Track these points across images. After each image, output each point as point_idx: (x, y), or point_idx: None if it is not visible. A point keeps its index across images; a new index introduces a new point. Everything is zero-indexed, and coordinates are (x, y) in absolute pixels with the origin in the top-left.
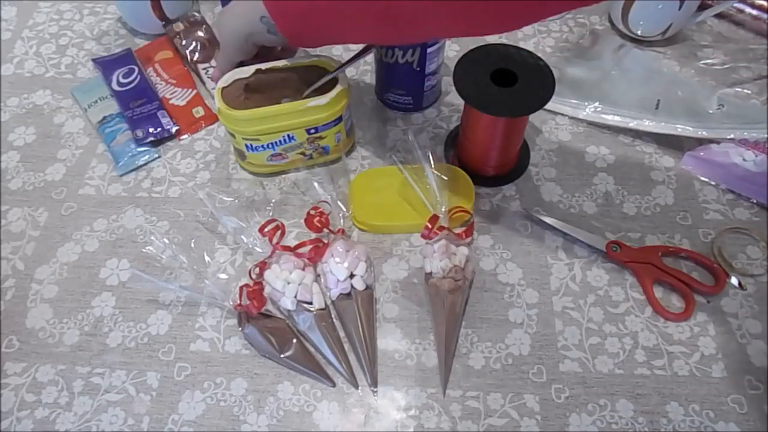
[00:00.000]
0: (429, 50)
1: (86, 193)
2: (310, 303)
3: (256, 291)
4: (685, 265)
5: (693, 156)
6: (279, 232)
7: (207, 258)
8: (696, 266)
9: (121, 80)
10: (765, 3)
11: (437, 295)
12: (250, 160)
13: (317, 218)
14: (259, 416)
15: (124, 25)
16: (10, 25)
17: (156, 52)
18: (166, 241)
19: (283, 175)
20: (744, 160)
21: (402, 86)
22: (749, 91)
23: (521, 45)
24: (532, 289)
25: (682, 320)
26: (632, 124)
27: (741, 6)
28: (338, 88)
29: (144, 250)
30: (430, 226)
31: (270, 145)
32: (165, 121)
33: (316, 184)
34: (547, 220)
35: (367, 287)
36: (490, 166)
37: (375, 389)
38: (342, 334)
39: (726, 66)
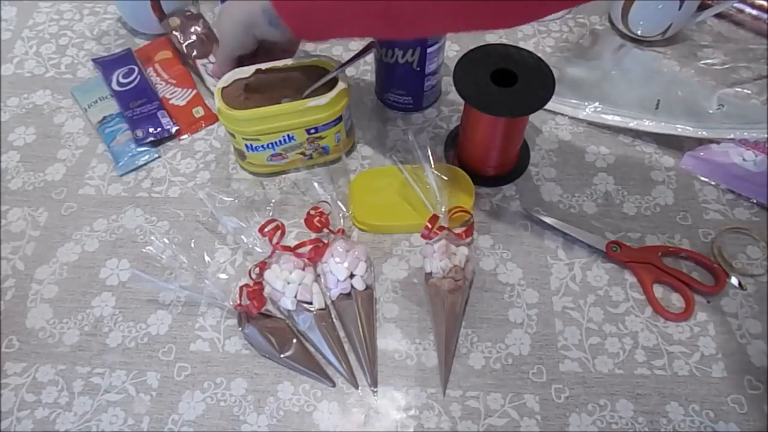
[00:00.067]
0: (429, 50)
1: (86, 193)
2: (310, 303)
3: (256, 291)
4: (685, 265)
5: (693, 156)
6: (279, 232)
7: (207, 258)
8: (696, 266)
9: (121, 80)
10: (765, 3)
11: (437, 295)
12: (250, 160)
13: (317, 218)
14: (259, 416)
15: (124, 25)
16: (10, 25)
17: (156, 52)
18: (166, 241)
19: (283, 175)
20: (744, 160)
21: (402, 86)
22: (749, 91)
23: (521, 45)
24: (532, 289)
25: (682, 320)
26: (632, 124)
27: (741, 6)
28: (338, 88)
29: (144, 250)
30: (430, 226)
31: (270, 145)
32: (165, 121)
33: (316, 184)
34: (547, 220)
35: (367, 287)
36: (490, 166)
37: (375, 389)
38: (342, 334)
39: (726, 66)
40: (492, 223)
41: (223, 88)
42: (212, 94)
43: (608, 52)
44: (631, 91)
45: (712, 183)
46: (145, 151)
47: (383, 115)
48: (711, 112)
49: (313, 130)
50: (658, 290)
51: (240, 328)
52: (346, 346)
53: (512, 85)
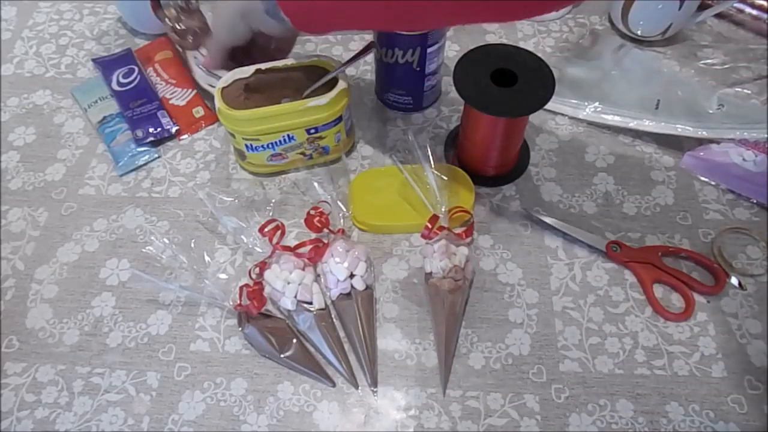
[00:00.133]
0: (429, 50)
1: (86, 193)
2: (310, 303)
3: (256, 291)
4: (685, 265)
5: (693, 156)
6: (279, 232)
7: (207, 258)
8: (696, 266)
9: (121, 80)
10: (765, 3)
11: (437, 295)
12: (250, 160)
13: (317, 218)
14: (259, 416)
15: (124, 25)
16: (10, 25)
17: (156, 52)
18: (166, 241)
19: (283, 175)
20: (744, 160)
21: (402, 86)
22: (749, 91)
23: (521, 45)
24: (532, 289)
25: (682, 320)
26: (632, 124)
27: (741, 6)
28: (338, 88)
29: (144, 250)
30: (430, 226)
31: (270, 145)
32: (165, 121)
33: (316, 184)
34: (547, 220)
35: (367, 287)
36: (490, 166)
37: (375, 389)
38: (342, 334)
39: (726, 66)
40: (492, 223)
41: (223, 88)
42: (201, 87)
43: (608, 52)
44: (631, 91)
45: (712, 183)
46: (145, 151)
47: (383, 115)
48: (711, 112)
49: (313, 130)
50: (658, 290)
51: (240, 328)
52: (346, 346)
53: (512, 85)
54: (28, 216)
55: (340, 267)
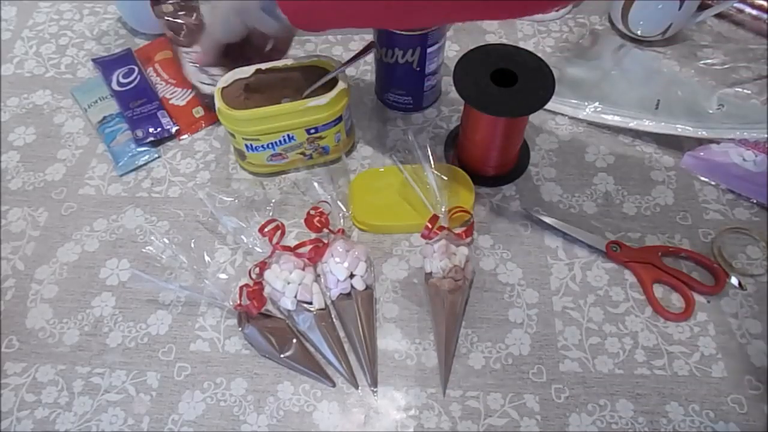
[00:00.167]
0: (429, 50)
1: (86, 193)
2: (310, 303)
3: (256, 291)
4: (685, 265)
5: (693, 156)
6: (279, 232)
7: (207, 258)
8: (696, 266)
9: (121, 80)
10: (765, 3)
11: (437, 295)
12: (250, 160)
13: (317, 218)
14: (259, 416)
15: (124, 25)
16: (10, 25)
17: (156, 52)
18: (166, 241)
19: (283, 175)
20: (744, 160)
21: (402, 86)
22: (749, 91)
23: (521, 45)
24: (532, 289)
25: (682, 320)
26: (632, 124)
27: (741, 6)
28: (338, 88)
29: (144, 250)
30: (430, 226)
31: (270, 145)
32: (165, 121)
33: (316, 184)
34: (547, 220)
35: (367, 287)
36: (490, 166)
37: (375, 389)
38: (342, 334)
39: (726, 66)
40: (492, 223)
41: (223, 88)
42: (191, 81)
43: (608, 52)
44: (631, 91)
45: (712, 183)
46: (145, 151)
47: (383, 115)
48: (711, 112)
49: (313, 130)
50: (658, 290)
51: (240, 328)
52: (346, 346)
53: (512, 85)
54: (28, 216)
55: (340, 267)
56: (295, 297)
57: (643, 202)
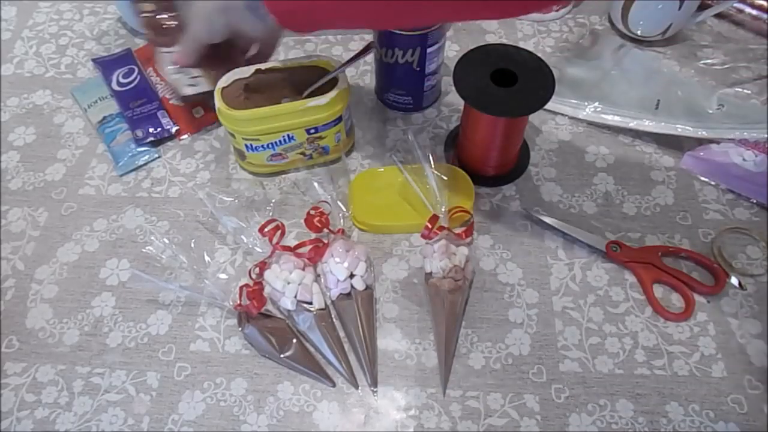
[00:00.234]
0: (429, 50)
1: (86, 193)
2: (310, 303)
3: (256, 291)
4: (685, 265)
5: (693, 156)
6: (279, 232)
7: (207, 258)
8: (696, 266)
9: (121, 80)
10: (765, 3)
11: (437, 295)
12: (250, 160)
13: (317, 218)
14: (259, 416)
15: (124, 25)
16: (10, 25)
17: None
18: (166, 241)
19: (283, 175)
20: (744, 160)
21: (402, 86)
22: (749, 91)
23: (521, 45)
24: (532, 289)
25: (682, 320)
26: (632, 124)
27: (741, 6)
28: (338, 88)
29: (144, 250)
30: (430, 226)
31: (270, 145)
32: (165, 121)
33: (316, 184)
34: (547, 220)
35: (367, 287)
36: (490, 166)
37: (375, 389)
38: (342, 334)
39: (726, 66)
40: (492, 223)
41: (223, 88)
42: (166, 80)
43: (608, 52)
44: (631, 91)
45: (712, 183)
46: (145, 151)
47: (383, 115)
48: (711, 112)
49: (313, 130)
50: (658, 290)
51: (240, 328)
52: (346, 346)
53: (512, 85)
54: (28, 216)
55: (340, 267)
56: (295, 297)
57: (643, 202)
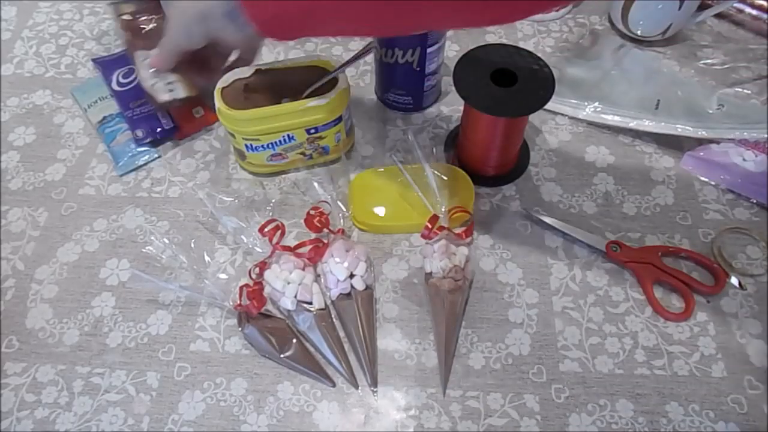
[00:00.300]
0: (429, 50)
1: (86, 193)
2: (310, 303)
3: (256, 291)
4: (685, 265)
5: (693, 156)
6: (279, 232)
7: (207, 258)
8: (696, 266)
9: (121, 80)
10: (765, 3)
11: (437, 295)
12: (250, 160)
13: (317, 218)
14: (259, 416)
15: None
16: (10, 25)
17: None
18: (166, 241)
19: (283, 175)
20: (744, 160)
21: (402, 86)
22: (749, 91)
23: (521, 45)
24: (532, 289)
25: (682, 320)
26: (632, 124)
27: (741, 6)
28: (338, 88)
29: (144, 250)
30: (430, 226)
31: (270, 145)
32: (165, 121)
33: (316, 184)
34: (547, 220)
35: (367, 287)
36: (490, 166)
37: (375, 389)
38: (342, 334)
39: (726, 66)
40: (492, 223)
41: (223, 88)
42: (144, 85)
43: (608, 52)
44: (631, 91)
45: (712, 183)
46: (145, 151)
47: (383, 115)
48: (711, 112)
49: (313, 130)
50: (658, 290)
51: (240, 328)
52: (346, 346)
53: (512, 85)
54: (28, 216)
55: (340, 267)
56: (295, 297)
57: (643, 202)
